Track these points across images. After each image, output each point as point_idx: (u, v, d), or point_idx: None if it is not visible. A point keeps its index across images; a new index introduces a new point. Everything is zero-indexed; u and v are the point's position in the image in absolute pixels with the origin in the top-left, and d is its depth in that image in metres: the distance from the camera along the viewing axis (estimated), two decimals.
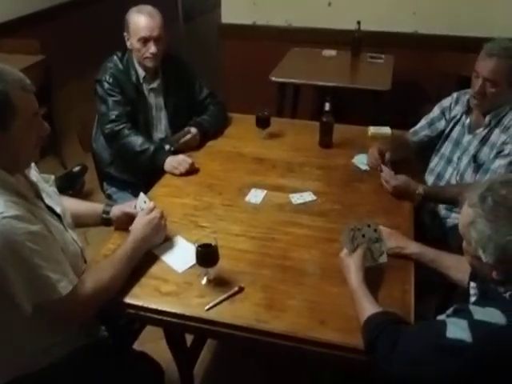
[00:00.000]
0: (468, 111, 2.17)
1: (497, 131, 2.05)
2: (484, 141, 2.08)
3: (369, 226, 1.61)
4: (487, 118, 2.07)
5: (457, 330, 1.15)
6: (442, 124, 2.30)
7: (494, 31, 3.59)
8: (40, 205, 1.48)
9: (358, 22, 3.62)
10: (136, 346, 1.92)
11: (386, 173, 2.06)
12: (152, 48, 2.34)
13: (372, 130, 2.56)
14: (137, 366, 1.67)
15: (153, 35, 2.33)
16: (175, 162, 2.24)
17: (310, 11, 4.00)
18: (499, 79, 1.96)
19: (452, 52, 3.67)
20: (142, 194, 1.78)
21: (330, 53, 3.79)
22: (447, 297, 1.96)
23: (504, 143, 1.99)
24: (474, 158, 2.10)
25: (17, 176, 1.42)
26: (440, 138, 2.31)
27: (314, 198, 2.04)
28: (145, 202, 1.76)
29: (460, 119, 2.21)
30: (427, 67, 3.83)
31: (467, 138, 2.16)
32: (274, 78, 3.40)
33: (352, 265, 1.53)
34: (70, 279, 1.40)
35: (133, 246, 1.60)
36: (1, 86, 1.28)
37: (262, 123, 2.51)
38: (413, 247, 1.69)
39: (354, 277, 1.50)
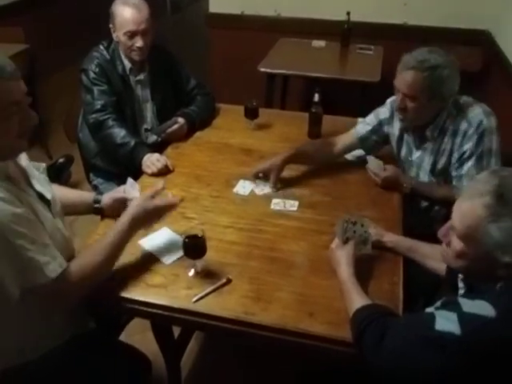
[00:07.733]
0: (407, 128, 2.07)
1: (446, 139, 1.94)
2: (436, 153, 1.99)
3: (362, 225, 1.61)
4: (428, 133, 1.97)
5: (446, 322, 1.15)
6: (383, 131, 2.19)
7: (484, 23, 3.62)
8: (29, 192, 1.44)
9: (348, 13, 3.61)
10: (123, 337, 1.92)
11: (374, 166, 2.04)
12: (139, 42, 2.30)
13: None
14: (124, 359, 1.66)
15: (139, 29, 2.28)
16: (149, 161, 2.18)
17: (300, 1, 3.96)
18: (417, 94, 1.84)
19: (441, 44, 3.63)
20: (129, 179, 1.75)
21: (320, 44, 3.78)
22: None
23: (461, 146, 1.90)
24: (432, 172, 2.03)
25: (6, 162, 1.38)
26: (386, 141, 2.21)
27: (296, 207, 1.93)
28: (132, 187, 1.76)
29: (402, 138, 2.12)
30: None
31: (417, 154, 2.06)
32: (262, 69, 3.38)
33: (343, 256, 1.53)
34: (58, 262, 1.36)
35: (128, 226, 1.48)
36: None
37: (251, 114, 2.49)
38: (390, 236, 1.71)
39: (345, 269, 1.50)
